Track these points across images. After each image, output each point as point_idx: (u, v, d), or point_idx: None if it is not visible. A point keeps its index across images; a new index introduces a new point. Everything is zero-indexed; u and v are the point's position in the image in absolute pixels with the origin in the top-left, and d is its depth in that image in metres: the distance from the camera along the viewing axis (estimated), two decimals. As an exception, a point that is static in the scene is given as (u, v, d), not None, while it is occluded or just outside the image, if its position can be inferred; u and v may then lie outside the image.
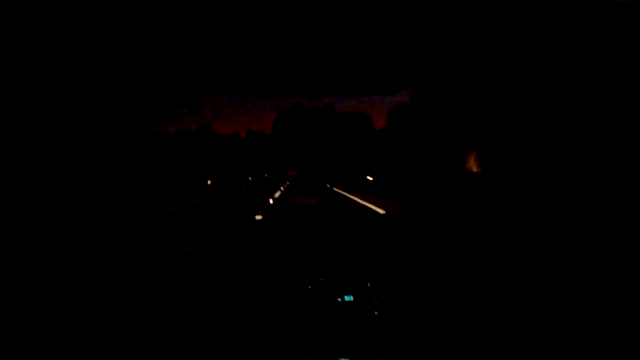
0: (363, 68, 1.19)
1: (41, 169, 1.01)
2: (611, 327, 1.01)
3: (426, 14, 0.94)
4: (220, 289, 1.15)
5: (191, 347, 1.08)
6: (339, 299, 1.14)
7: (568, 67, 1.15)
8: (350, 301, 1.14)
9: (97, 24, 0.97)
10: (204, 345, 1.09)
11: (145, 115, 1.26)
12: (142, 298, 1.10)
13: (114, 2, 0.91)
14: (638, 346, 0.96)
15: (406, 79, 1.21)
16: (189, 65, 1.17)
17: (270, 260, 1.20)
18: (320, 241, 1.25)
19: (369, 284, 1.14)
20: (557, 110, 1.21)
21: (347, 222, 1.38)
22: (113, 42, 1.03)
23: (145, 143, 1.25)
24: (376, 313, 1.13)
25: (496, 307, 1.10)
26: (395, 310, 1.13)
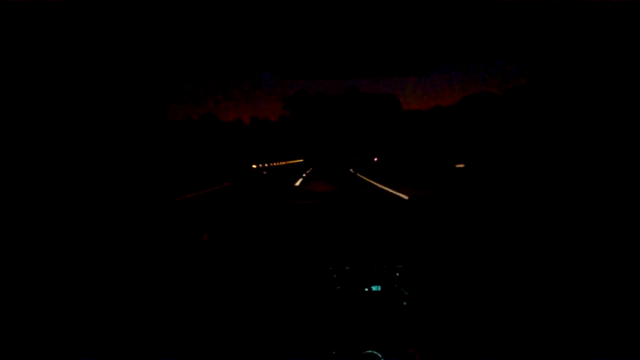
0: (391, 47, 1.12)
1: (55, 159, 0.97)
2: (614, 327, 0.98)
3: None
4: (241, 277, 1.11)
5: (213, 335, 1.05)
6: (366, 289, 1.10)
7: (569, 66, 1.11)
8: (377, 291, 1.10)
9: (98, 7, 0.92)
10: (228, 332, 1.06)
11: (161, 102, 1.21)
12: (158, 287, 1.07)
13: None
14: (638, 346, 0.94)
15: (438, 58, 1.14)
16: (204, 46, 1.11)
17: (292, 248, 1.16)
18: (345, 228, 1.21)
19: (397, 274, 1.10)
20: (558, 109, 1.17)
21: (372, 208, 1.33)
22: (117, 24, 0.98)
23: (160, 132, 1.21)
24: (405, 303, 1.09)
25: (527, 298, 1.06)
26: (424, 301, 1.08)
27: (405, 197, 1.78)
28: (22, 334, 0.87)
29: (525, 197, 1.32)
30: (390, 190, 9.89)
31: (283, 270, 1.12)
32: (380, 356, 1.02)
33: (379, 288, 1.10)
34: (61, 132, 0.98)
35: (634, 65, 1.01)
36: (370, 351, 1.03)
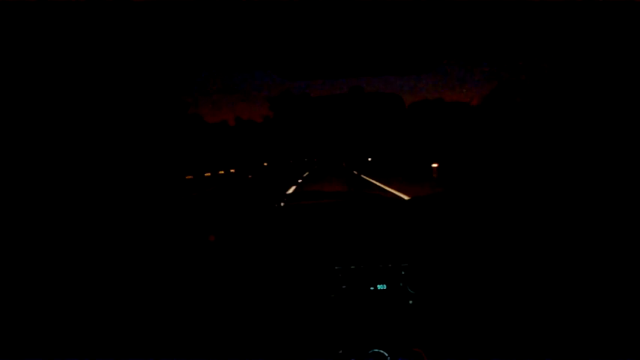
0: (393, 45, 1.12)
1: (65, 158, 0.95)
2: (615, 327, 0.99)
3: None
4: (248, 278, 1.09)
5: (220, 335, 1.03)
6: (372, 288, 1.10)
7: (570, 66, 1.12)
8: (383, 289, 1.10)
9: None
10: (234, 332, 1.04)
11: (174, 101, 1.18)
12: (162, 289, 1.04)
13: None
14: (638, 346, 0.96)
15: (439, 56, 1.14)
16: (206, 45, 1.10)
17: (299, 248, 1.15)
18: (351, 228, 1.20)
19: (402, 272, 1.10)
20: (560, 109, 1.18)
21: (375, 208, 1.33)
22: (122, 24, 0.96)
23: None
24: (410, 302, 1.09)
25: (531, 296, 1.07)
26: (430, 300, 1.09)
27: (406, 197, 1.79)
28: (25, 334, 0.84)
29: (523, 196, 1.33)
30: (390, 190, 10.32)
31: (289, 270, 1.11)
32: (386, 355, 1.02)
33: (385, 287, 1.10)
34: (65, 131, 0.96)
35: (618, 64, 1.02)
36: (377, 350, 1.03)
